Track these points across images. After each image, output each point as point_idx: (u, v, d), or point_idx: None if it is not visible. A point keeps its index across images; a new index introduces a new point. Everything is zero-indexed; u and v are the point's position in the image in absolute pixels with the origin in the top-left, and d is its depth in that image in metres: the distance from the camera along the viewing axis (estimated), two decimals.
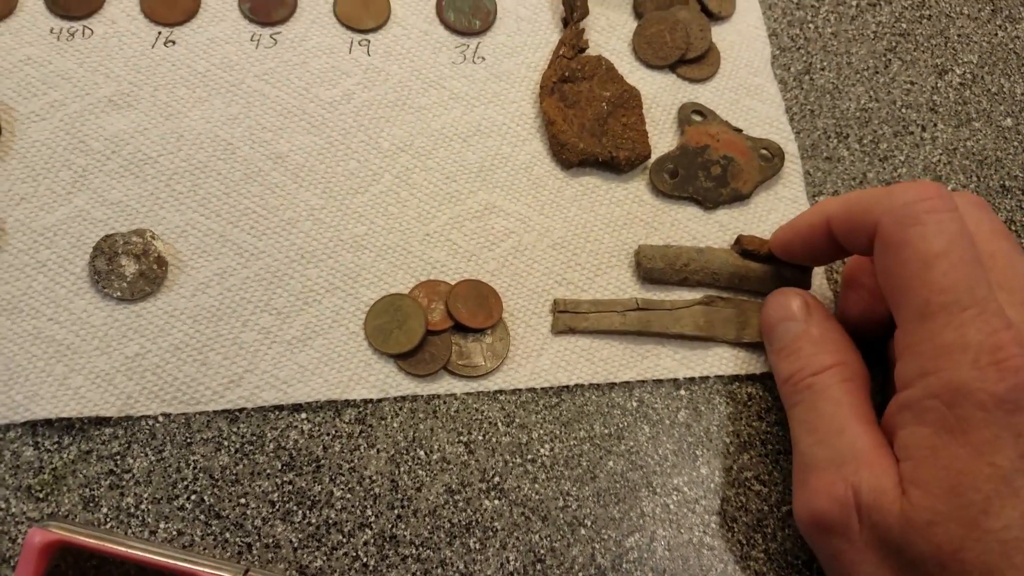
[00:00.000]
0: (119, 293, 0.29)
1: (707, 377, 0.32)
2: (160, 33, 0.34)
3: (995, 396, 0.22)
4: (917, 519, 0.23)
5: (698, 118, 0.36)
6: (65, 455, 0.28)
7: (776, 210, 0.35)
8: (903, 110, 0.39)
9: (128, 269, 0.29)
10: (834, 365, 0.28)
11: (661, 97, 0.36)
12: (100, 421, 0.28)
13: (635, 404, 0.32)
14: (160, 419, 0.29)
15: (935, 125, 0.39)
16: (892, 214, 0.25)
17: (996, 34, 0.42)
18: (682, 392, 0.32)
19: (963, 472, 0.23)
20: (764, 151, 0.35)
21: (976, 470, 0.23)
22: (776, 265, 0.33)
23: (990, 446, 0.22)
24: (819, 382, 0.28)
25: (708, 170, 0.34)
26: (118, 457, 0.28)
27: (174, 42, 0.33)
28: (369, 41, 0.35)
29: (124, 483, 0.28)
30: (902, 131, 0.38)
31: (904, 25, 0.41)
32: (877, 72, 0.40)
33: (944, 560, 0.23)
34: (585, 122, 0.34)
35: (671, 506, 0.30)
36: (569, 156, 0.34)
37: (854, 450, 0.26)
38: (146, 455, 0.28)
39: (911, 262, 0.24)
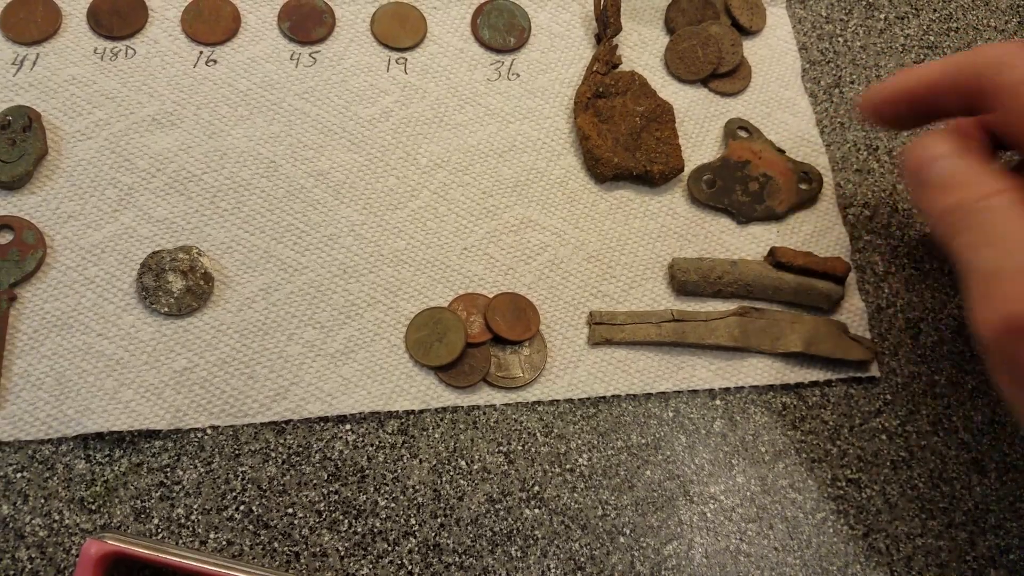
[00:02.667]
0: (167, 308, 0.30)
1: (742, 387, 0.33)
2: (201, 53, 0.34)
3: None
4: None
5: (744, 134, 0.36)
6: (116, 468, 0.28)
7: (808, 222, 0.35)
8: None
9: (175, 285, 0.30)
10: (1007, 189, 0.27)
11: (694, 111, 0.37)
12: (150, 434, 0.29)
13: (671, 414, 0.32)
14: (208, 431, 0.29)
15: None
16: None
17: None
18: (717, 402, 0.32)
19: None
20: (804, 174, 0.36)
21: None
22: (810, 276, 0.33)
23: None
24: (995, 202, 0.27)
25: (746, 185, 0.35)
26: (168, 469, 0.29)
27: (215, 61, 0.34)
28: (406, 59, 0.36)
29: (174, 494, 0.28)
30: None
31: (932, 38, 0.41)
32: None
33: None
34: (619, 136, 0.35)
35: (708, 514, 0.30)
36: (603, 170, 0.34)
37: None
38: (195, 467, 0.29)
39: None
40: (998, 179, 0.27)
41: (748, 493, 0.31)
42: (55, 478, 0.28)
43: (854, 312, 0.34)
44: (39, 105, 0.33)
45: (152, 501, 0.28)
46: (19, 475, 0.28)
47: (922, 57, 0.41)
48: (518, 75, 0.36)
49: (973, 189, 0.27)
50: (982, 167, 0.28)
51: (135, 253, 0.31)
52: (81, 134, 0.32)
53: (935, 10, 0.42)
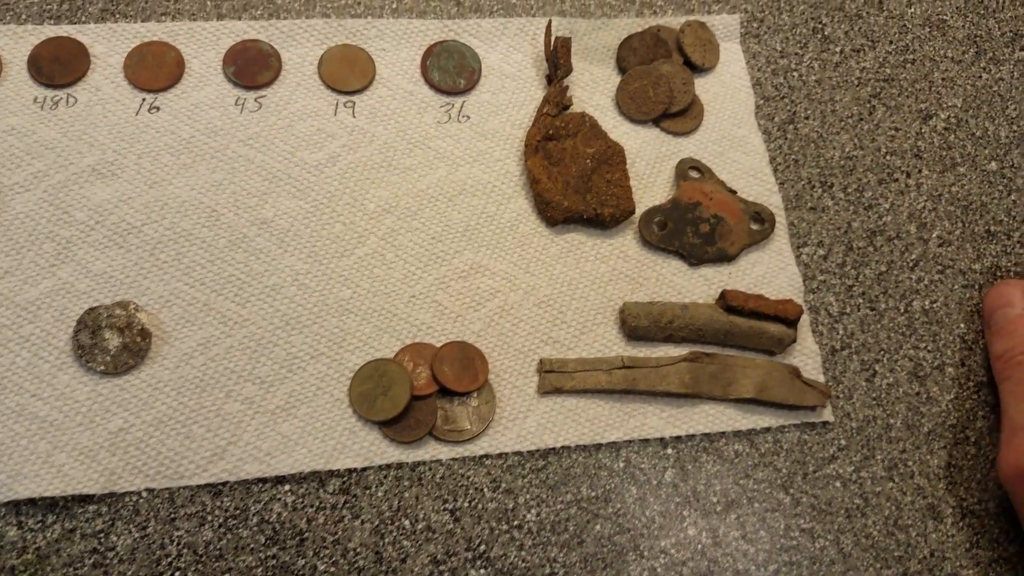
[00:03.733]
0: (103, 367, 0.29)
1: (693, 435, 0.31)
2: (144, 100, 0.33)
3: None
4: None
5: (695, 174, 0.35)
6: (49, 534, 0.27)
7: (761, 263, 0.34)
8: (888, 157, 0.38)
9: (112, 342, 0.29)
10: None
11: (645, 152, 0.36)
12: (84, 498, 0.28)
13: (622, 465, 0.31)
14: (144, 494, 0.28)
15: (920, 171, 0.38)
16: None
17: (980, 76, 0.41)
18: (669, 451, 0.31)
19: None
20: (756, 214, 0.34)
21: None
22: (761, 320, 0.32)
23: None
24: None
25: (697, 227, 0.34)
26: (102, 535, 0.27)
27: (158, 108, 0.33)
28: (354, 103, 0.34)
29: (108, 561, 0.27)
30: (887, 178, 0.38)
31: (888, 70, 0.40)
32: (862, 119, 0.39)
33: None
34: (569, 179, 0.34)
35: (658, 569, 0.29)
36: (554, 214, 0.33)
37: None
38: (130, 532, 0.27)
39: None
40: None
41: (699, 546, 0.30)
42: None
43: (807, 355, 0.33)
44: None
45: (85, 569, 0.27)
46: None
47: (879, 91, 0.40)
48: (468, 117, 0.35)
49: (1020, 340, 0.31)
50: None
51: (72, 309, 0.30)
52: (19, 186, 0.31)
53: (891, 42, 0.41)
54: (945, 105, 0.40)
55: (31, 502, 0.27)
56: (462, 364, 0.31)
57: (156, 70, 0.33)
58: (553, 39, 0.36)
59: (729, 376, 0.32)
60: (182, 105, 0.33)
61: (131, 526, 0.27)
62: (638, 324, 0.32)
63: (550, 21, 0.35)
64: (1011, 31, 0.43)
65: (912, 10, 0.42)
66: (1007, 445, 0.30)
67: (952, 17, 0.43)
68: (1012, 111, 0.40)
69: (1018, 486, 0.29)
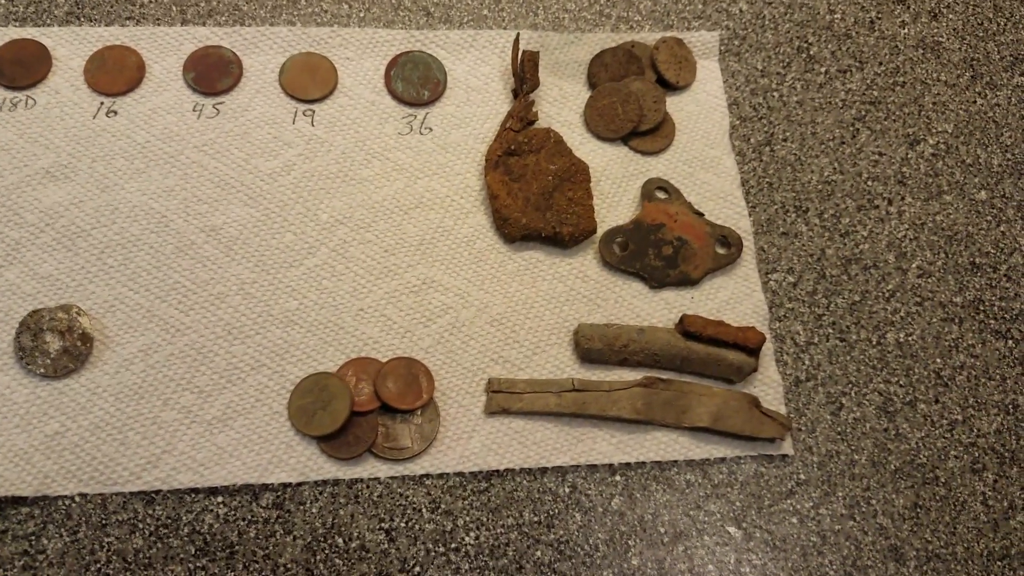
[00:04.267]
0: (43, 370, 0.31)
1: (644, 463, 0.34)
2: (102, 104, 0.36)
3: None
4: None
5: (662, 195, 0.38)
6: None
7: (726, 288, 0.37)
8: (869, 182, 0.40)
9: (52, 346, 0.32)
10: None
11: (611, 170, 0.38)
12: (16, 500, 0.30)
13: (568, 490, 0.33)
14: (77, 499, 0.30)
15: (903, 198, 0.40)
16: None
17: (975, 101, 0.43)
18: (617, 478, 0.33)
19: None
20: (722, 238, 0.37)
21: None
22: (720, 347, 0.34)
23: None
24: None
25: (659, 249, 0.36)
26: (33, 537, 0.30)
27: (116, 112, 0.36)
28: (314, 111, 0.37)
29: (38, 564, 0.29)
30: (867, 204, 0.40)
31: (876, 93, 0.43)
32: (844, 142, 0.41)
33: None
34: (530, 196, 0.36)
35: None
36: (512, 231, 0.36)
37: None
38: (61, 536, 0.30)
39: None
40: None
41: None
42: None
43: (769, 384, 0.35)
44: None
45: (15, 571, 0.29)
46: None
47: (864, 113, 0.42)
48: (431, 129, 0.38)
49: None
50: None
51: (16, 311, 0.32)
52: None
53: (881, 63, 0.44)
54: (935, 130, 0.42)
55: None
56: (407, 380, 0.33)
57: (116, 74, 0.37)
58: (521, 53, 0.39)
59: (684, 403, 0.34)
60: (140, 110, 0.36)
61: (62, 530, 0.30)
62: (592, 346, 0.34)
63: (518, 35, 0.38)
64: (1011, 55, 0.45)
65: (905, 31, 0.45)
66: None
67: (948, 39, 0.45)
68: (1007, 138, 0.42)
69: None
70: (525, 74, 0.38)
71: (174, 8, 0.39)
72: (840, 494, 0.34)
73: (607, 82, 0.39)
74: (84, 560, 0.30)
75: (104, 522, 0.30)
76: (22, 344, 0.32)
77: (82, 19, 0.38)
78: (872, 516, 0.34)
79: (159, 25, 0.38)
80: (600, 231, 0.37)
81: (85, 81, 0.37)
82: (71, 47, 0.37)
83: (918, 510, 0.34)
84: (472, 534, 0.32)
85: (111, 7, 0.39)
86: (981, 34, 0.45)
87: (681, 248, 0.36)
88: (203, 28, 0.38)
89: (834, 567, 0.33)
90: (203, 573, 0.30)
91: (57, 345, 0.32)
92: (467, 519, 0.32)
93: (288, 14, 0.39)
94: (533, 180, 0.37)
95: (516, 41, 0.38)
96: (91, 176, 0.35)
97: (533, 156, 0.37)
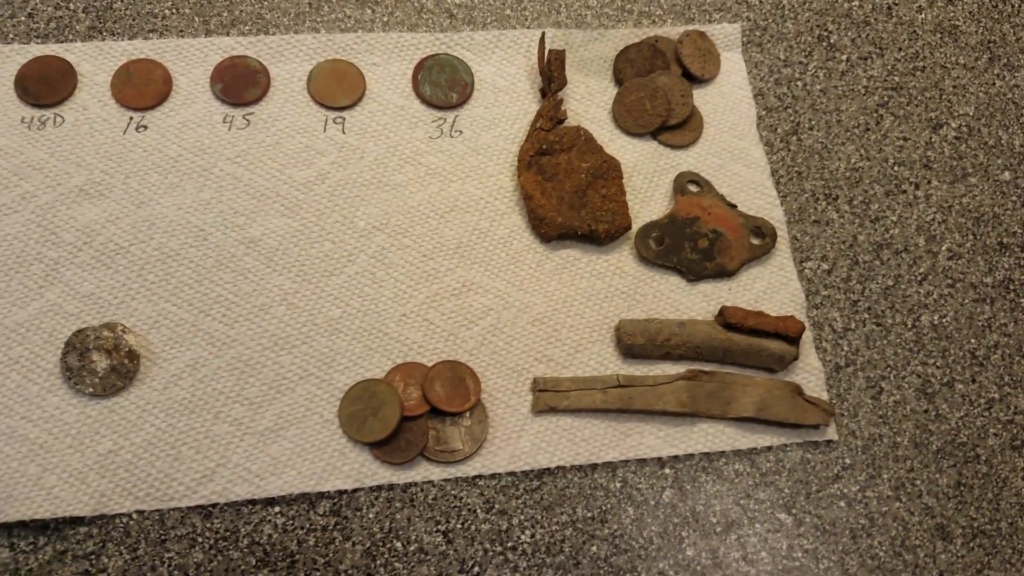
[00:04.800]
0: (91, 389, 0.32)
1: (692, 454, 0.34)
2: (131, 118, 0.36)
3: None
4: None
5: (694, 188, 0.38)
6: (41, 556, 0.30)
7: (762, 279, 0.37)
8: (895, 167, 0.41)
9: (100, 364, 0.32)
10: None
11: (642, 165, 0.39)
12: (74, 520, 0.31)
13: (619, 485, 0.34)
14: (134, 516, 0.31)
15: (929, 182, 0.41)
16: None
17: (994, 84, 0.44)
18: (667, 471, 0.34)
19: None
20: (756, 229, 0.37)
21: None
22: (761, 337, 0.35)
23: None
24: None
25: (695, 242, 0.37)
26: (93, 557, 0.30)
27: (146, 127, 0.36)
28: (344, 119, 0.38)
29: None
30: (894, 190, 0.41)
31: (897, 78, 0.43)
32: (868, 129, 0.42)
33: None
34: (564, 195, 0.37)
35: None
36: (548, 230, 0.36)
37: None
38: (120, 554, 0.30)
39: None
40: None
41: (698, 567, 0.32)
42: None
43: (810, 372, 0.36)
44: None
45: None
46: None
47: (887, 100, 0.43)
48: (461, 132, 0.38)
49: None
50: None
51: (60, 331, 0.33)
52: (7, 208, 0.34)
53: (900, 49, 0.44)
54: (956, 113, 0.43)
55: (22, 524, 0.30)
56: (453, 383, 0.34)
57: (143, 88, 0.37)
58: (547, 52, 0.39)
59: (728, 394, 0.34)
60: (170, 123, 0.37)
61: (122, 548, 0.30)
62: (634, 342, 0.35)
63: (543, 34, 0.39)
64: None
65: (923, 16, 0.46)
66: None
67: (965, 23, 0.46)
68: None
69: None
70: (552, 73, 0.38)
71: (196, 19, 0.39)
72: (885, 476, 0.35)
73: (633, 78, 0.40)
74: None
75: (163, 538, 0.31)
76: (69, 364, 0.32)
77: (104, 33, 0.38)
78: (917, 496, 0.35)
79: (183, 37, 0.38)
80: (635, 227, 0.38)
81: (112, 96, 0.37)
82: (96, 62, 0.37)
83: (961, 488, 0.35)
84: (528, 532, 0.32)
85: (133, 20, 0.39)
86: (996, 16, 0.46)
87: (716, 240, 0.37)
88: (227, 38, 0.38)
89: (883, 548, 0.34)
90: None
91: (104, 364, 0.32)
92: (522, 518, 0.33)
93: (311, 21, 0.40)
94: (566, 179, 0.37)
95: (542, 40, 0.39)
96: (126, 192, 0.35)
97: (565, 155, 0.38)
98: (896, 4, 0.46)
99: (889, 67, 0.44)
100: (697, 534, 0.33)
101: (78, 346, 0.32)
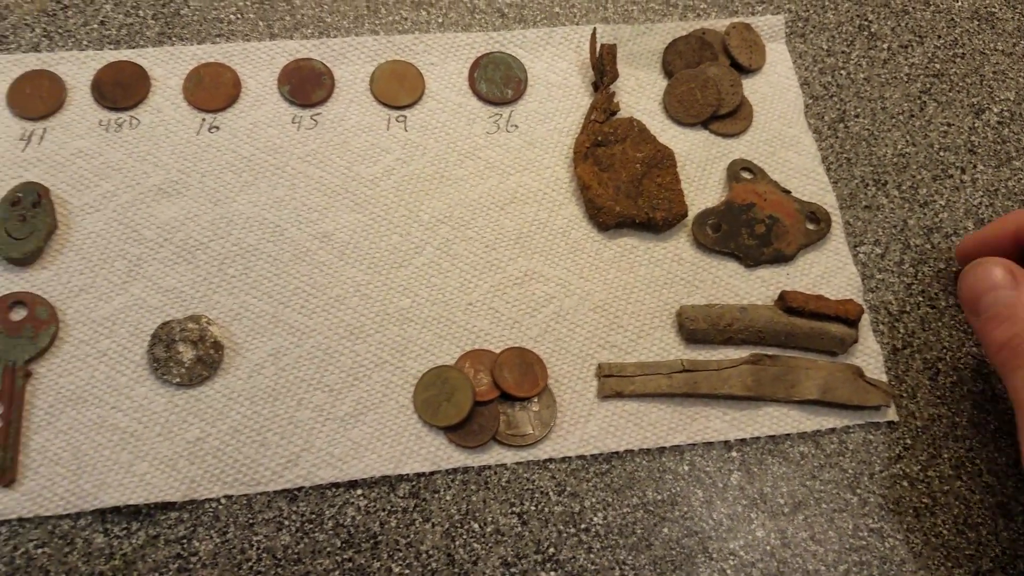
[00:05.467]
0: (178, 379, 0.32)
1: (758, 437, 0.34)
2: (204, 120, 0.37)
3: None
4: None
5: (747, 175, 0.38)
6: (134, 540, 0.30)
7: (818, 263, 0.37)
8: (941, 153, 0.41)
9: (186, 355, 0.32)
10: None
11: (695, 154, 0.39)
12: (166, 506, 0.31)
13: (687, 468, 0.34)
14: (223, 501, 0.31)
15: (975, 166, 0.41)
16: None
17: None
18: (733, 454, 0.34)
19: None
20: (811, 214, 0.37)
21: None
22: (821, 320, 0.35)
23: None
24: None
25: (752, 228, 0.37)
26: (184, 540, 0.31)
27: (218, 128, 0.37)
28: (406, 117, 0.38)
29: (191, 566, 0.30)
30: (941, 175, 0.40)
31: (938, 65, 0.43)
32: (912, 115, 0.42)
33: None
34: (620, 184, 0.37)
35: (728, 571, 0.32)
36: (606, 219, 0.37)
37: None
38: (211, 537, 0.31)
39: None
40: None
41: (768, 547, 0.32)
42: (74, 553, 0.30)
43: (869, 354, 0.36)
44: (47, 179, 0.35)
45: (170, 573, 0.30)
46: (39, 551, 0.30)
47: (929, 86, 0.43)
48: (516, 127, 0.39)
49: None
50: None
51: (145, 324, 0.33)
52: (89, 207, 0.35)
53: (939, 36, 0.44)
54: (998, 99, 0.43)
55: (116, 510, 0.31)
56: (521, 369, 0.34)
57: (214, 91, 0.37)
58: (599, 46, 0.39)
59: (792, 378, 0.34)
60: (241, 124, 0.37)
61: (212, 532, 0.31)
62: (696, 327, 0.35)
63: (595, 29, 0.39)
64: None
65: (960, 3, 0.45)
66: None
67: (1001, 9, 0.46)
68: None
69: None
70: (604, 67, 0.39)
71: (261, 23, 0.40)
72: (946, 456, 0.35)
73: (683, 69, 0.40)
74: (236, 559, 0.30)
75: (251, 521, 0.31)
76: (156, 355, 0.32)
77: (174, 39, 0.39)
78: (978, 475, 0.34)
79: (249, 41, 0.39)
80: (691, 214, 0.38)
81: (184, 99, 0.37)
82: (167, 67, 0.38)
83: (1020, 467, 0.35)
84: (600, 514, 0.32)
85: (200, 26, 0.39)
86: None
87: (773, 226, 0.37)
88: (292, 41, 0.39)
89: (947, 526, 0.33)
90: (350, 564, 0.31)
91: (191, 354, 0.32)
92: (593, 500, 0.33)
93: (370, 23, 0.40)
94: (621, 169, 0.37)
95: (593, 35, 0.39)
96: (202, 190, 0.36)
97: (619, 145, 0.38)
98: None
99: (929, 54, 0.44)
100: (765, 515, 0.33)
101: (164, 338, 0.33)
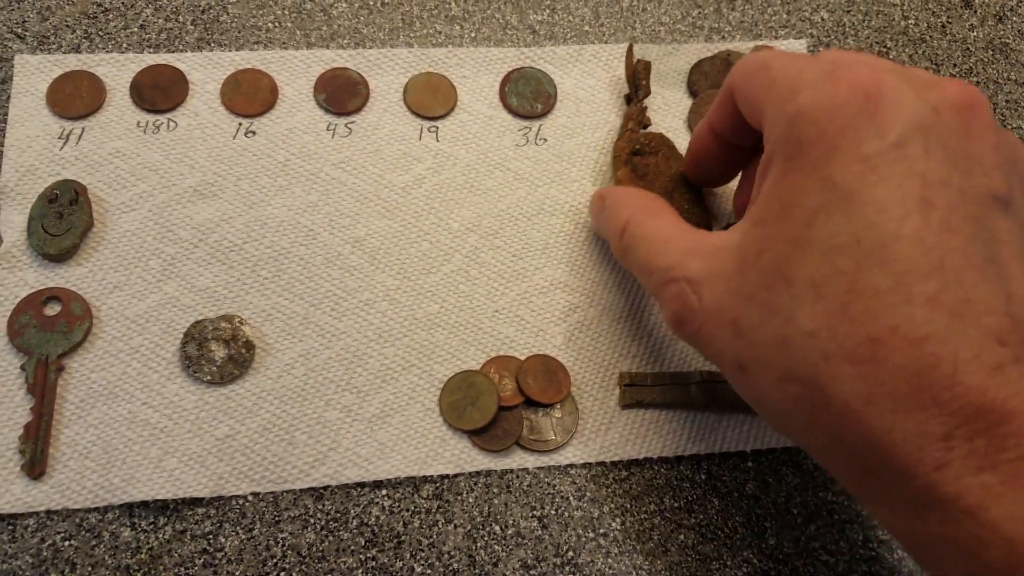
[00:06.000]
0: (209, 377, 0.32)
1: (773, 448, 0.34)
2: (240, 124, 0.37)
3: (829, 106, 0.23)
4: (749, 252, 0.25)
5: None
6: (161, 535, 0.30)
7: None
8: None
9: (218, 354, 0.32)
10: (635, 210, 0.32)
11: None
12: (193, 501, 0.31)
13: (704, 477, 0.34)
14: (250, 498, 0.31)
15: None
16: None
17: None
18: (749, 464, 0.34)
19: (794, 191, 0.24)
20: None
21: (807, 187, 0.23)
22: None
23: (824, 158, 0.23)
24: (630, 226, 0.31)
25: None
26: (211, 536, 0.30)
27: (254, 132, 0.37)
28: (438, 128, 0.38)
29: (217, 561, 0.30)
30: None
31: None
32: None
33: (771, 283, 0.24)
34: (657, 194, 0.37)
35: None
36: None
37: (679, 253, 0.28)
38: (237, 534, 0.31)
39: (771, 89, 0.26)
40: (629, 202, 0.33)
41: (781, 555, 0.32)
42: (101, 546, 0.30)
43: None
44: (85, 178, 0.35)
45: (196, 568, 0.30)
46: (67, 543, 0.30)
47: None
48: (545, 140, 0.39)
49: (614, 221, 0.32)
50: (617, 199, 0.33)
51: (178, 322, 0.33)
52: (125, 206, 0.35)
53: (955, 64, 0.45)
54: (1011, 126, 0.43)
55: (144, 504, 0.31)
56: (546, 376, 0.34)
57: (251, 96, 0.38)
58: (636, 61, 0.40)
59: None
60: (277, 130, 0.37)
61: (238, 528, 0.31)
62: None
63: (631, 45, 0.39)
64: None
65: (975, 34, 0.46)
66: (662, 305, 0.29)
67: (1014, 40, 0.46)
68: None
69: (684, 336, 0.28)
70: (640, 81, 0.39)
71: (298, 32, 0.40)
72: None
73: (708, 89, 0.40)
74: (261, 556, 0.30)
75: (277, 519, 0.31)
76: (188, 353, 0.32)
77: (212, 44, 0.39)
78: None
79: (286, 48, 0.39)
80: (715, 228, 0.38)
81: (222, 103, 0.37)
82: (205, 71, 0.38)
83: None
84: (618, 520, 0.32)
85: (239, 33, 0.39)
86: None
87: None
88: (328, 51, 0.39)
89: None
90: (373, 563, 0.31)
91: (222, 353, 0.32)
92: (612, 506, 0.33)
93: (405, 36, 0.40)
94: (655, 180, 0.37)
95: (630, 49, 0.39)
96: (237, 193, 0.36)
97: (653, 157, 0.38)
98: (949, 22, 0.46)
99: None
100: (779, 524, 0.33)
101: (196, 336, 0.33)
